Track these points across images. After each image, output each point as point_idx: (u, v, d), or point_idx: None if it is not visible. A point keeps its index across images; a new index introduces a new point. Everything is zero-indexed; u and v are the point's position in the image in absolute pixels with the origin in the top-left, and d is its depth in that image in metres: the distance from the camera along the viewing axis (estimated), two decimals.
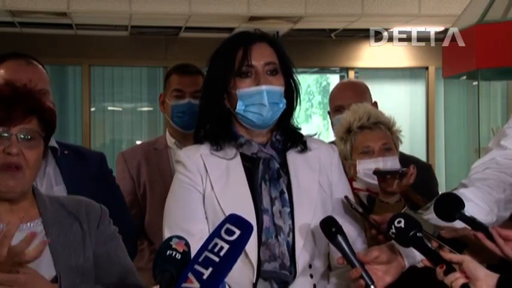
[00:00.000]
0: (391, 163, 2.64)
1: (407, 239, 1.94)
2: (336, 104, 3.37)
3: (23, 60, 2.63)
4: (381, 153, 2.66)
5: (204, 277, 1.65)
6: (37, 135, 1.96)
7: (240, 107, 2.19)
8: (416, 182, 3.17)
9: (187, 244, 1.72)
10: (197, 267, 1.67)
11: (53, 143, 2.64)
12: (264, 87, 2.17)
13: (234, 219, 1.75)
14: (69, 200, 2.11)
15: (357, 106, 2.78)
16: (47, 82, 2.64)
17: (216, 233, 1.72)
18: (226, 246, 1.68)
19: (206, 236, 2.07)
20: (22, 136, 1.92)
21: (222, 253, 1.68)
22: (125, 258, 2.10)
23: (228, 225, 1.73)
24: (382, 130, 2.71)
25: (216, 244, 1.69)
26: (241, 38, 2.24)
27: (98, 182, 2.66)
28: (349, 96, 3.32)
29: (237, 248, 1.70)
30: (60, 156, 2.64)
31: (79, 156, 2.70)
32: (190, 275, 1.66)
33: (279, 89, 2.21)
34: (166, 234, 2.13)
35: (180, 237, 1.74)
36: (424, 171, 3.32)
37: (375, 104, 3.38)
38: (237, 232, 1.71)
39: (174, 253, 1.69)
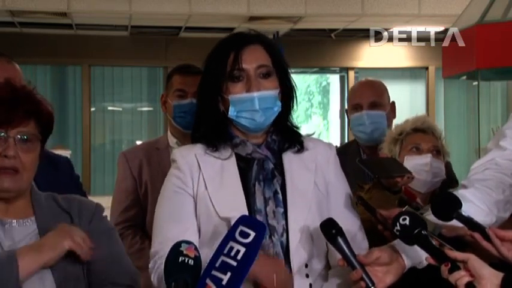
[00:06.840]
0: (436, 164, 2.73)
1: (412, 237, 1.93)
2: (355, 103, 3.34)
3: (4, 58, 2.63)
4: (430, 152, 2.73)
5: (224, 282, 1.61)
6: (34, 138, 1.96)
7: (232, 112, 2.15)
8: None
9: (196, 249, 1.66)
10: (215, 272, 1.62)
11: None
12: (255, 94, 2.13)
13: (247, 221, 1.71)
14: (63, 198, 2.10)
15: (416, 115, 2.88)
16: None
17: (230, 236, 1.67)
18: (243, 249, 1.64)
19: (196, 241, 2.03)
20: (19, 137, 1.92)
21: (239, 256, 1.63)
22: (123, 258, 2.10)
23: (242, 228, 1.68)
24: (435, 136, 2.80)
25: (231, 248, 1.64)
26: (233, 41, 2.19)
27: (69, 188, 2.60)
28: (368, 95, 3.32)
29: (253, 250, 1.65)
30: None
31: (50, 162, 2.66)
32: (208, 281, 1.62)
33: (273, 92, 2.16)
34: (155, 239, 2.13)
35: (188, 242, 1.68)
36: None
37: (393, 104, 3.39)
38: (252, 234, 1.67)
39: (186, 259, 1.63)
